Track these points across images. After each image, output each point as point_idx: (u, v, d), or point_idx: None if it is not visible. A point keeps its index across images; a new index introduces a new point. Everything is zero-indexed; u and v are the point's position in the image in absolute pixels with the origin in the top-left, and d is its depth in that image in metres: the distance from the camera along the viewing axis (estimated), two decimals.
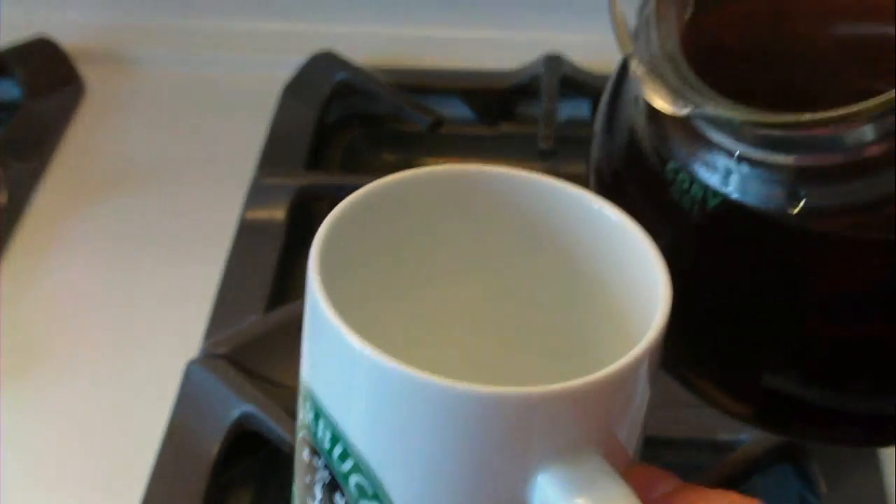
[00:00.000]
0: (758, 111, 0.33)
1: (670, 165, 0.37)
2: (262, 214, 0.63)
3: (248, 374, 0.54)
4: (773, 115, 0.33)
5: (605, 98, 0.42)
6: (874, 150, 0.32)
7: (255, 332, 0.56)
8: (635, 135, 0.39)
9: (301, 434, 0.35)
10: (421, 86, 0.73)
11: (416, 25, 0.77)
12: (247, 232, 0.63)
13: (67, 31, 0.75)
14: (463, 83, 0.74)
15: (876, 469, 0.51)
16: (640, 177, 0.39)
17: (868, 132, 0.32)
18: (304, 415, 0.35)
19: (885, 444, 0.43)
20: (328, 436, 0.33)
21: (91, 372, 0.57)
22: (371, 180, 0.68)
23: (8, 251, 0.63)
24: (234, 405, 0.52)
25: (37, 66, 0.73)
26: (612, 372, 0.31)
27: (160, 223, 0.65)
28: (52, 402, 0.55)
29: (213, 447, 0.52)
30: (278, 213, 0.63)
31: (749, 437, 0.51)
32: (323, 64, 0.73)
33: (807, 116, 0.32)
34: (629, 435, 0.33)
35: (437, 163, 0.72)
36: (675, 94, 0.34)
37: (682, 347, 0.33)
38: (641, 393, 0.33)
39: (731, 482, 0.49)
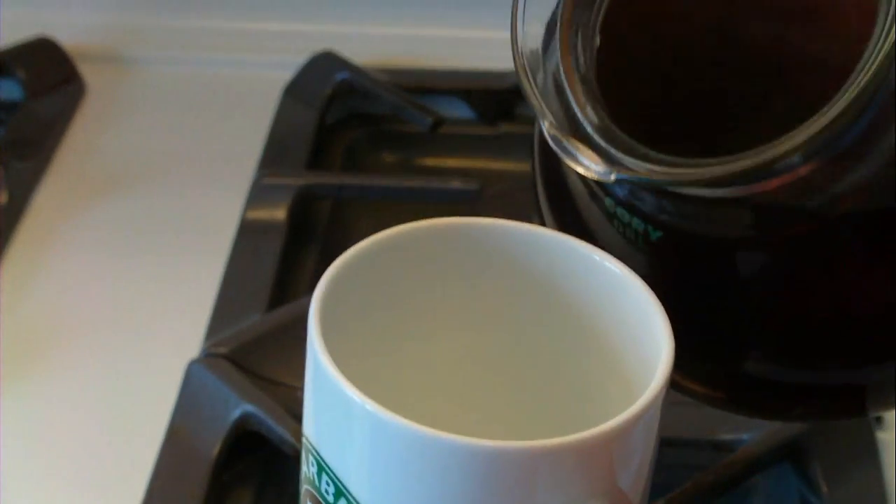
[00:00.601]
0: (684, 165, 0.34)
1: (608, 201, 0.37)
2: (262, 214, 0.63)
3: (248, 374, 0.54)
4: (701, 168, 0.33)
5: (536, 136, 0.43)
6: (804, 171, 0.33)
7: (255, 332, 0.56)
8: (571, 173, 0.39)
9: (305, 487, 0.35)
10: (421, 86, 0.73)
11: (416, 25, 0.77)
12: (247, 232, 0.63)
13: (68, 31, 0.75)
14: (463, 83, 0.74)
15: (876, 469, 0.51)
16: (583, 208, 0.39)
17: (797, 158, 0.33)
18: (307, 469, 0.35)
19: (856, 414, 0.44)
20: (332, 490, 0.33)
21: (91, 372, 0.57)
22: (371, 180, 0.68)
23: (8, 251, 0.63)
24: (235, 405, 0.52)
25: (37, 66, 0.73)
26: (614, 426, 0.31)
27: (160, 223, 0.65)
28: (52, 402, 0.55)
29: (213, 447, 0.52)
30: (279, 213, 0.63)
31: (749, 437, 0.51)
32: (323, 64, 0.73)
33: (739, 164, 0.33)
34: (634, 485, 0.33)
35: (437, 163, 0.72)
36: (604, 159, 0.34)
37: None
38: (645, 444, 0.33)
39: (731, 482, 0.49)
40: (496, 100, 0.73)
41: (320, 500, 0.34)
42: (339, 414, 0.32)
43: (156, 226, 0.65)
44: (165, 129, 0.72)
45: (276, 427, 0.51)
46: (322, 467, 0.33)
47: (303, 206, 0.65)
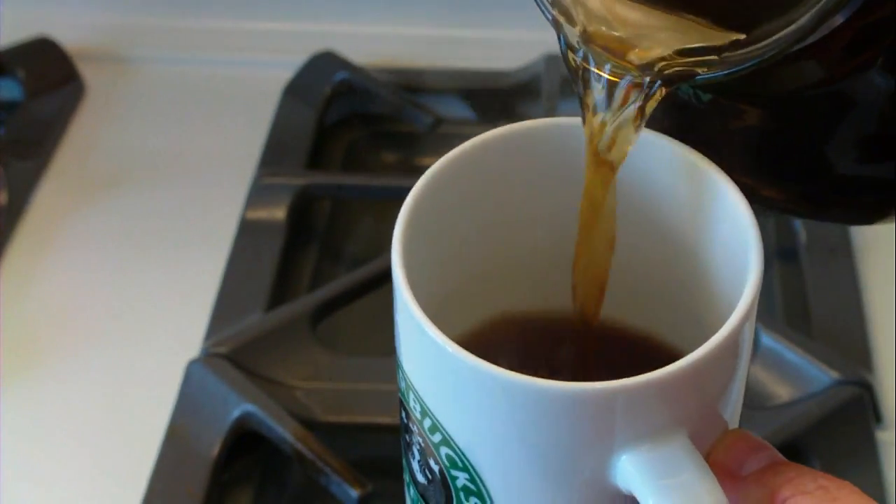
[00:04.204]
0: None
1: None
2: (262, 214, 0.63)
3: (248, 373, 0.54)
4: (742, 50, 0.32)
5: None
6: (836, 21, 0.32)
7: (255, 332, 0.56)
8: None
9: (399, 397, 0.36)
10: (421, 86, 0.73)
11: (416, 25, 0.77)
12: (247, 231, 0.63)
13: (67, 31, 0.75)
14: (463, 83, 0.74)
15: (876, 469, 0.51)
16: None
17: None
18: (399, 381, 0.35)
19: None
20: (418, 408, 0.34)
21: (91, 371, 0.57)
22: (371, 180, 0.68)
23: (8, 251, 0.63)
24: (234, 405, 0.52)
25: (37, 66, 0.73)
26: (694, 360, 0.31)
27: (160, 223, 0.65)
28: (52, 401, 0.56)
29: (213, 447, 0.52)
30: (278, 213, 0.63)
31: None
32: (323, 64, 0.73)
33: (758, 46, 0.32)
34: (720, 407, 0.33)
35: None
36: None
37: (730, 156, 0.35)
38: (731, 370, 0.33)
39: None
40: (496, 100, 0.73)
41: (410, 412, 0.35)
42: (422, 350, 0.33)
43: (156, 225, 0.65)
44: (165, 128, 0.72)
45: (276, 427, 0.51)
46: (409, 385, 0.34)
47: (302, 206, 0.65)
